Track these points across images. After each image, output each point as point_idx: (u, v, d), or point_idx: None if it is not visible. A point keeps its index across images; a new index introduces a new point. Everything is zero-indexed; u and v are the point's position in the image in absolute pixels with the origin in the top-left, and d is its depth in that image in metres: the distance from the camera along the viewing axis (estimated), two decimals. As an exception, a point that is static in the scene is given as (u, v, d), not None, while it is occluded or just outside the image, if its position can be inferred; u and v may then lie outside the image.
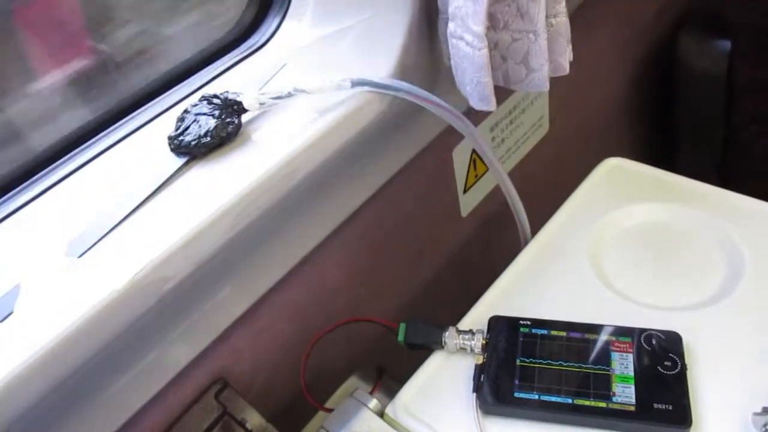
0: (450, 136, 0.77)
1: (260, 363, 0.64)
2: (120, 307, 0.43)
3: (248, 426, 0.59)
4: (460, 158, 0.80)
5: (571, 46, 0.59)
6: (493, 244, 0.92)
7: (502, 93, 0.67)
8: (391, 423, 0.55)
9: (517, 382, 0.53)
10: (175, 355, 0.56)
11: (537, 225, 0.69)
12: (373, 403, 0.57)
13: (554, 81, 0.92)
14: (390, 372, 0.65)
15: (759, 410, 0.48)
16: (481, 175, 0.86)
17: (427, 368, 0.58)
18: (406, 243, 0.78)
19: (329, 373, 0.65)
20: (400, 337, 0.59)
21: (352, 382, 0.62)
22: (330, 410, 0.59)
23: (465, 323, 0.60)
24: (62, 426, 0.48)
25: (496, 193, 0.89)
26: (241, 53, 0.59)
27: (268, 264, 0.60)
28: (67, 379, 0.43)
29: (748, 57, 0.99)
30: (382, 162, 0.67)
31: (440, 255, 0.84)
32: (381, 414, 0.56)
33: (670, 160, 0.66)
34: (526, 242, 0.68)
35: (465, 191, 0.84)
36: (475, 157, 0.83)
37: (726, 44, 1.01)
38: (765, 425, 0.47)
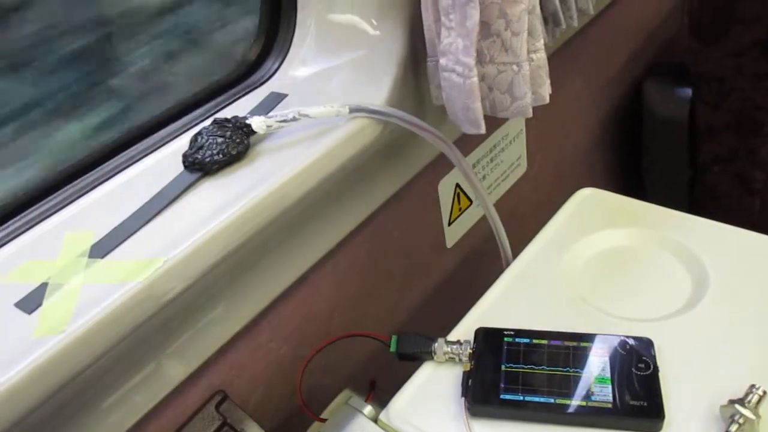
0: (436, 170, 0.82)
1: (258, 377, 0.67)
2: (118, 318, 0.46)
3: (247, 436, 0.62)
4: (444, 192, 0.86)
5: (549, 80, 0.66)
6: (478, 275, 0.96)
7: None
8: (385, 428, 0.58)
9: (502, 385, 0.57)
10: (174, 368, 0.59)
11: (518, 254, 0.74)
12: (368, 409, 0.60)
13: (531, 124, 0.99)
14: (382, 387, 0.68)
15: (726, 403, 0.52)
16: (465, 209, 0.91)
17: (418, 377, 0.61)
18: (395, 269, 0.82)
19: (324, 389, 0.68)
20: (392, 348, 0.62)
21: (346, 394, 0.65)
22: (325, 420, 0.62)
23: (453, 335, 0.64)
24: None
25: (479, 226, 0.95)
26: (248, 86, 0.65)
27: (264, 283, 0.64)
28: (66, 387, 0.45)
29: (707, 103, 1.08)
30: (373, 189, 0.72)
31: (428, 282, 0.88)
32: (375, 420, 0.60)
33: (641, 199, 0.72)
34: (508, 265, 0.73)
35: (450, 224, 0.89)
36: (459, 191, 0.88)
37: (687, 91, 1.10)
38: (732, 416, 0.51)
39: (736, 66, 1.01)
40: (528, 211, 1.03)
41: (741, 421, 0.50)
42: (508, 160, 0.96)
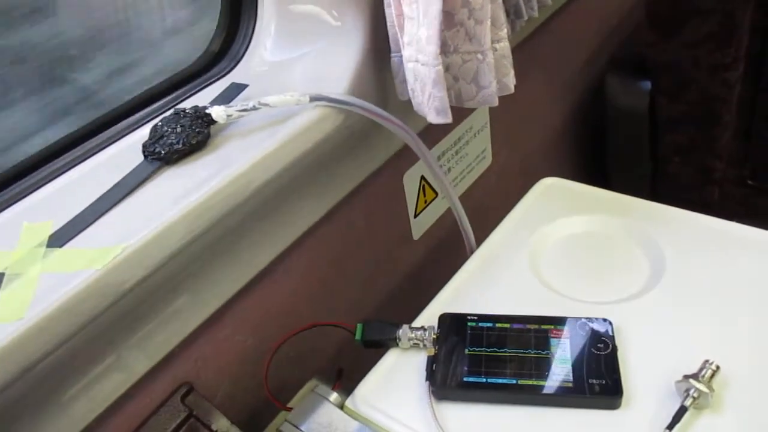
0: (401, 162, 0.83)
1: (225, 369, 0.66)
2: (77, 305, 0.45)
3: (214, 428, 0.62)
4: (410, 184, 0.87)
5: (513, 71, 0.66)
6: (444, 266, 0.97)
7: (448, 124, 0.73)
8: (351, 414, 0.59)
9: (466, 368, 0.58)
10: (138, 359, 0.58)
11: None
12: (334, 396, 0.61)
13: (496, 117, 1.00)
14: (349, 375, 0.68)
15: (681, 378, 0.53)
16: (431, 201, 0.92)
17: (383, 363, 0.62)
18: (362, 260, 0.82)
19: (292, 380, 0.68)
20: (358, 336, 0.63)
21: (313, 383, 0.65)
22: (291, 409, 0.62)
23: (417, 322, 0.65)
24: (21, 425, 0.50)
25: (446, 218, 0.96)
26: (209, 78, 0.65)
27: (229, 274, 0.64)
28: (26, 375, 0.44)
29: (666, 94, 1.10)
30: (338, 181, 0.72)
31: (395, 273, 0.89)
32: (341, 407, 0.60)
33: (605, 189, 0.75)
34: (472, 253, 0.74)
35: (416, 215, 0.90)
36: (424, 184, 0.89)
37: (647, 83, 1.12)
38: (687, 390, 0.52)
39: (692, 58, 1.04)
40: (493, 204, 1.04)
41: (695, 395, 0.52)
42: (473, 153, 0.97)
